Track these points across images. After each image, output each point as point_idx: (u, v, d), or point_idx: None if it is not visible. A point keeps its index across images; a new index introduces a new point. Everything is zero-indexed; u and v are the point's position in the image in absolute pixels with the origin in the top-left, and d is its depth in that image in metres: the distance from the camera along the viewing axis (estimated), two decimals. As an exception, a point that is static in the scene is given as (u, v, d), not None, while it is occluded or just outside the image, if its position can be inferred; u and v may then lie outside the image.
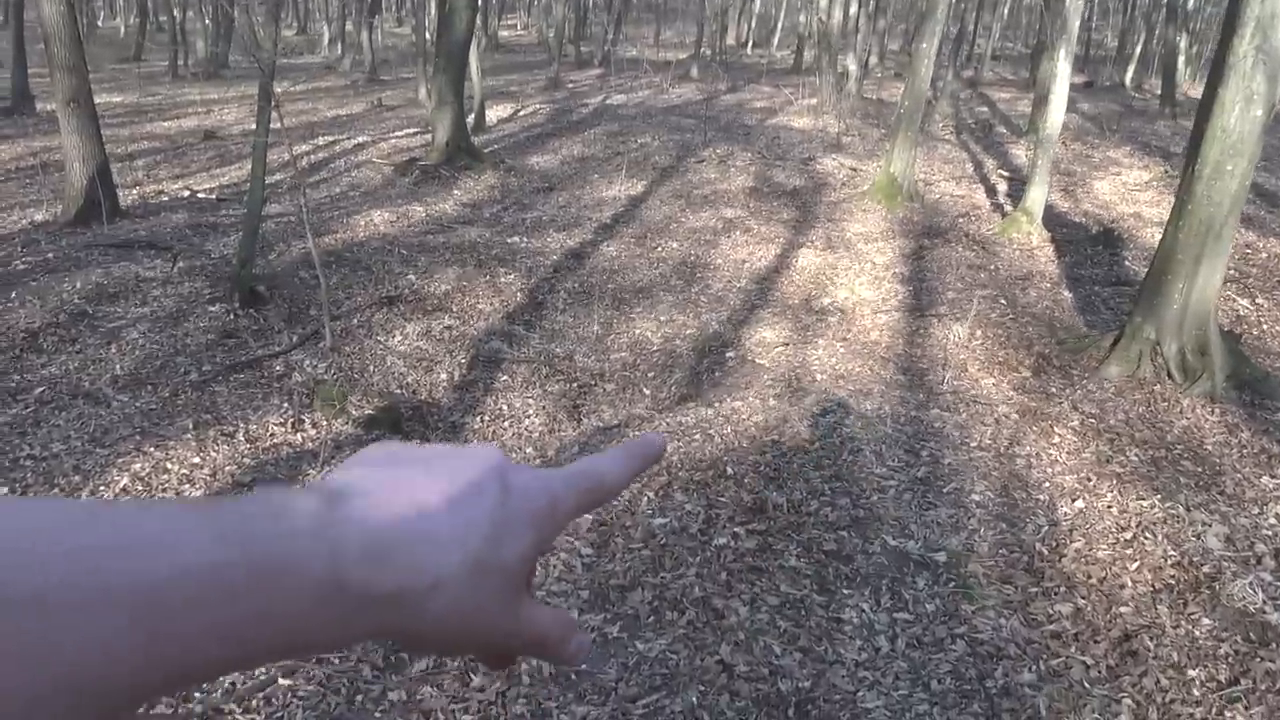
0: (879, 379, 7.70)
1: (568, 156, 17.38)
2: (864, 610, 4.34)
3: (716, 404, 7.19)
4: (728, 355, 9.02)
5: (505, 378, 8.94)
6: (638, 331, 9.95)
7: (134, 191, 13.94)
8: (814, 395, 7.04)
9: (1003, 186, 15.73)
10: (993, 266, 10.84)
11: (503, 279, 10.70)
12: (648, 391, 8.97)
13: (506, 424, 8.34)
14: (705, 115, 20.87)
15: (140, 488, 5.74)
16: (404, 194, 14.37)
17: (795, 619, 4.27)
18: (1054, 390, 7.49)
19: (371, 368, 8.63)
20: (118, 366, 7.77)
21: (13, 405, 7.01)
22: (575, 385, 9.04)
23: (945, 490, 5.42)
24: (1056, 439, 6.29)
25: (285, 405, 7.44)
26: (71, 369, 7.66)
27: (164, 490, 5.72)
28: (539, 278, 10.92)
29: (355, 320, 9.33)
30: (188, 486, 5.77)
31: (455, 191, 14.54)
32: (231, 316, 8.85)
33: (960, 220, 13.18)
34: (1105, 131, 20.23)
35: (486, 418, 8.36)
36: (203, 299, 9.06)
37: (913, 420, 6.50)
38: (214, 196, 13.92)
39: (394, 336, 9.17)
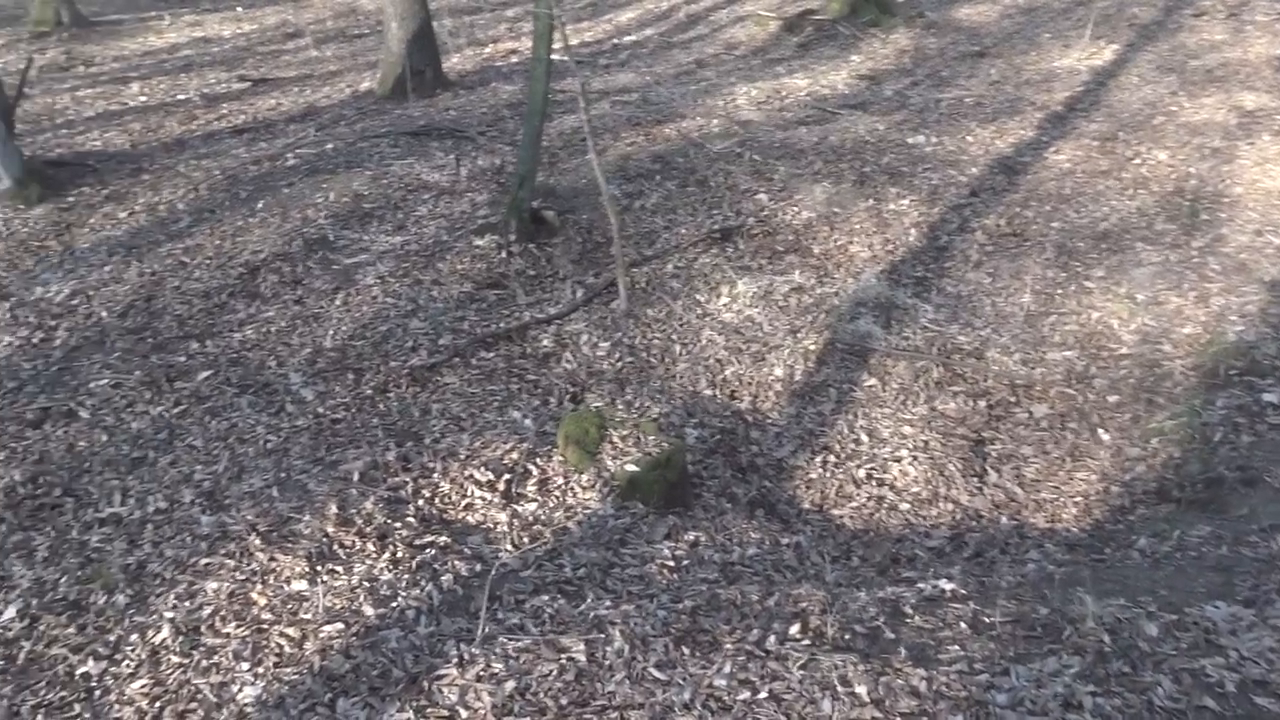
0: None
1: (1010, 4, 12.69)
2: None
3: None
4: (1271, 404, 4.89)
5: (872, 381, 5.54)
6: (1096, 314, 5.99)
7: (485, 51, 11.63)
8: None
9: None
10: None
11: (891, 205, 7.05)
12: (1106, 438, 5.16)
13: (861, 472, 5.01)
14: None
15: (178, 656, 3.20)
16: (786, 60, 10.80)
17: None
18: None
19: (678, 348, 5.62)
20: (329, 336, 5.40)
21: (160, 400, 4.84)
22: (983, 404, 5.43)
23: None
24: None
25: (526, 422, 4.70)
26: (271, 333, 5.41)
27: (198, 680, 3.14)
28: (946, 204, 7.12)
29: (670, 266, 6.29)
30: (243, 667, 3.13)
31: (853, 57, 10.72)
32: (502, 255, 6.17)
33: None
34: None
35: (830, 458, 5.08)
36: (473, 223, 6.44)
37: None
38: (572, 59, 11.23)
39: (719, 296, 6.04)
